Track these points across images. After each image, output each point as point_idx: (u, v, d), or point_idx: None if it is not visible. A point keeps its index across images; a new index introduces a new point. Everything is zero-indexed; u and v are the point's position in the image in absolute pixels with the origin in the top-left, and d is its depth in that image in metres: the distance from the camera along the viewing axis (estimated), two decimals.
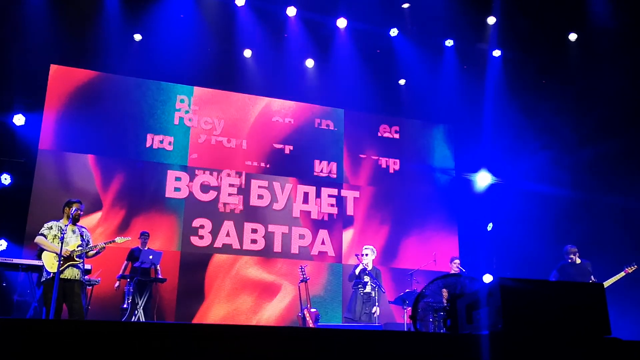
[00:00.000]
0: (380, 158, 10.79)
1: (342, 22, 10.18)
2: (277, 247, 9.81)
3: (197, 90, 10.03)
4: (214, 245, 9.50)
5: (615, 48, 9.31)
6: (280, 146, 10.27)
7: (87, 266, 6.94)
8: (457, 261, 8.77)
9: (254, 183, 9.96)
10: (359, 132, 10.80)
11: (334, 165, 10.50)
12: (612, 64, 9.31)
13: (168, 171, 9.55)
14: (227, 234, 9.61)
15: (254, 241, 9.72)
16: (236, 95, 10.26)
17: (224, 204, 9.70)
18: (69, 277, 6.01)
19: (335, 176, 10.46)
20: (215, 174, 9.78)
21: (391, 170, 10.80)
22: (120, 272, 8.15)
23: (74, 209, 6.15)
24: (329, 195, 10.33)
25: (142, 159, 9.47)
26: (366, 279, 8.02)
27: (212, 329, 2.62)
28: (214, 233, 9.53)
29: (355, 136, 10.75)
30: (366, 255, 8.14)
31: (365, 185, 10.63)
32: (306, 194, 10.20)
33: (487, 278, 8.98)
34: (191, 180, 9.62)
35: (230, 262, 9.55)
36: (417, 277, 8.67)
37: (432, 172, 11.06)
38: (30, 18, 8.79)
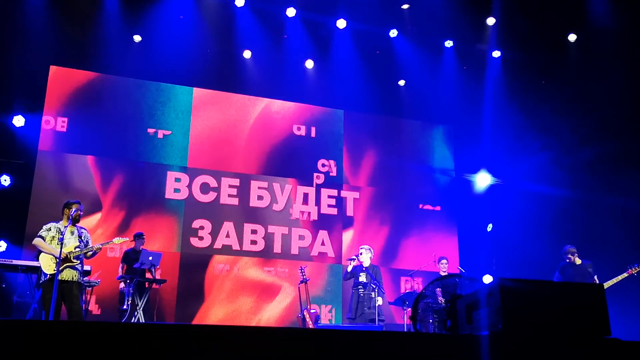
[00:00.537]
0: (379, 159, 10.79)
1: (341, 23, 10.18)
2: (277, 248, 9.81)
3: (197, 91, 10.03)
4: (214, 246, 9.49)
5: (614, 48, 9.32)
6: (280, 147, 10.27)
7: (86, 267, 6.93)
8: (445, 261, 8.70)
9: (254, 184, 9.96)
10: (358, 133, 10.80)
11: (333, 166, 10.50)
12: (612, 65, 9.31)
13: (168, 172, 9.55)
14: (227, 235, 9.61)
15: (253, 242, 9.72)
16: (236, 96, 10.26)
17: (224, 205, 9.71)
18: (66, 279, 6.00)
19: (335, 176, 10.46)
20: (214, 175, 9.78)
21: (391, 171, 10.79)
22: (120, 274, 8.13)
23: (73, 209, 6.15)
24: (329, 196, 10.33)
25: (141, 160, 9.47)
26: (362, 277, 7.97)
27: (212, 330, 2.62)
28: (214, 234, 9.53)
29: (355, 137, 10.75)
30: (360, 254, 8.13)
31: (365, 186, 10.63)
32: (306, 195, 10.20)
33: (487, 278, 8.98)
34: (191, 181, 9.62)
35: (230, 263, 9.55)
36: (416, 278, 8.67)
37: (432, 173, 11.06)
38: (30, 19, 8.79)
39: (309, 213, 10.15)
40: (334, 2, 9.92)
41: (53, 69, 9.30)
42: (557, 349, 2.61)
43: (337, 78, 10.51)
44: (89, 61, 9.41)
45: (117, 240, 6.77)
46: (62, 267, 5.95)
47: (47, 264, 5.96)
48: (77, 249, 6.11)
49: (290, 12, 9.89)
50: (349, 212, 10.40)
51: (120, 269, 8.18)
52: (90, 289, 7.63)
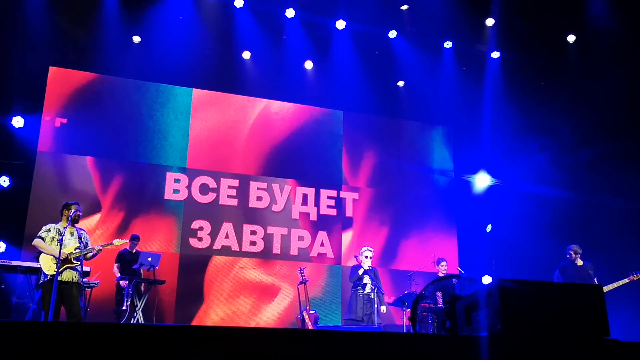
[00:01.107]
0: (379, 159, 10.79)
1: (341, 24, 10.19)
2: (276, 249, 9.81)
3: (196, 92, 10.03)
4: (213, 247, 9.49)
5: (613, 50, 9.34)
6: (279, 148, 10.27)
7: (86, 268, 6.93)
8: (444, 262, 8.71)
9: (253, 185, 9.96)
10: (358, 134, 10.81)
11: (332, 167, 10.51)
12: (610, 66, 9.33)
13: (167, 173, 9.55)
14: (226, 236, 9.61)
15: (253, 243, 9.72)
16: (235, 97, 10.26)
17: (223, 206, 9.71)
18: (66, 280, 6.00)
19: (333, 178, 10.46)
20: (214, 175, 9.78)
21: (390, 172, 10.80)
22: (119, 275, 8.12)
23: (72, 210, 6.15)
24: (328, 197, 10.34)
25: (141, 160, 9.47)
26: (366, 280, 8.04)
27: (212, 331, 2.62)
28: (213, 235, 9.53)
29: (354, 138, 10.76)
30: (366, 257, 8.16)
31: (364, 186, 10.63)
32: (305, 196, 10.21)
33: (486, 279, 8.99)
34: (190, 182, 9.62)
35: (229, 263, 9.55)
36: (416, 279, 8.68)
37: (431, 174, 11.06)
38: (29, 20, 8.79)
39: (308, 214, 10.15)
40: (333, 3, 9.93)
41: (52, 69, 9.30)
42: (556, 350, 2.62)
43: (336, 79, 10.52)
44: (88, 62, 9.41)
45: (117, 241, 6.77)
46: (62, 268, 5.95)
47: (47, 265, 5.96)
48: (77, 250, 6.11)
49: (290, 13, 9.89)
50: (348, 213, 10.40)
51: (116, 269, 8.17)
52: (89, 290, 7.63)
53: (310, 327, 8.00)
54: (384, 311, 8.03)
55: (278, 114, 10.44)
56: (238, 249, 9.61)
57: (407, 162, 10.92)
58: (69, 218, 6.11)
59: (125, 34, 9.47)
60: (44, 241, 6.05)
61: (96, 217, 9.02)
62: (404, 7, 10.18)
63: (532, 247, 9.56)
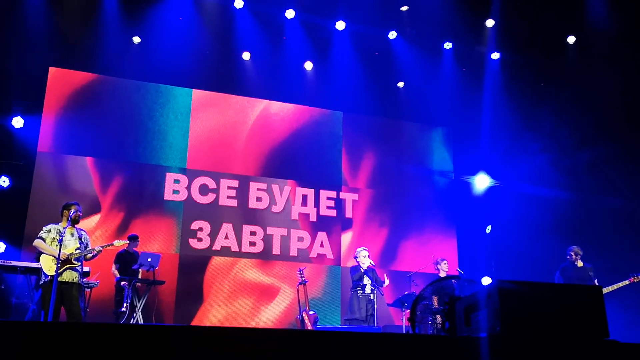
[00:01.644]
0: (378, 160, 10.80)
1: (340, 25, 10.19)
2: (276, 250, 9.81)
3: (196, 92, 10.03)
4: (213, 248, 9.49)
5: (613, 51, 9.34)
6: (279, 149, 10.28)
7: (86, 269, 6.93)
8: (445, 262, 8.72)
9: (253, 185, 9.96)
10: (357, 135, 10.81)
11: (332, 168, 10.51)
12: (610, 67, 9.33)
13: (167, 174, 9.55)
14: (226, 237, 9.61)
15: (252, 244, 9.72)
16: (235, 98, 10.27)
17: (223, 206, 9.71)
18: (67, 280, 6.01)
19: (333, 179, 10.46)
20: (213, 176, 9.78)
21: (390, 173, 10.80)
22: (118, 275, 8.12)
23: (72, 211, 6.16)
24: (328, 198, 10.34)
25: (140, 161, 9.47)
26: (365, 280, 8.05)
27: (211, 331, 2.62)
28: (213, 236, 9.53)
29: (353, 139, 10.76)
30: (364, 257, 8.18)
31: (364, 187, 10.63)
32: (305, 197, 10.21)
33: (486, 280, 8.99)
34: (190, 182, 9.62)
35: (229, 264, 9.55)
36: (415, 280, 8.68)
37: (431, 175, 11.07)
38: (29, 20, 8.79)
39: (308, 215, 10.15)
40: (333, 4, 9.94)
41: (52, 70, 9.30)
42: (555, 351, 2.62)
43: (336, 80, 10.53)
44: (88, 62, 9.41)
45: (117, 242, 6.78)
46: (62, 269, 5.95)
47: (48, 265, 5.97)
48: (78, 251, 6.12)
49: (290, 13, 9.90)
50: (348, 213, 10.40)
51: (115, 270, 8.16)
52: (89, 290, 7.63)
53: (309, 328, 8.01)
54: (386, 282, 8.17)
55: (278, 114, 10.45)
56: (238, 250, 9.61)
57: (406, 163, 10.93)
58: (69, 218, 6.12)
59: (125, 35, 9.48)
60: (45, 242, 6.06)
61: (96, 218, 9.02)
62: (404, 8, 10.19)
63: (532, 249, 9.57)
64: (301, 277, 8.43)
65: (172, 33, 9.50)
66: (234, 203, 9.78)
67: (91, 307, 7.80)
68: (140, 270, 8.07)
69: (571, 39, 10.21)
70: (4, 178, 8.59)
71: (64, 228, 6.12)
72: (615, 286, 7.50)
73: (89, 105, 9.38)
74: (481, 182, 10.64)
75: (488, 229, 10.34)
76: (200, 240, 9.46)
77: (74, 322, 5.76)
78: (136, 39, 9.61)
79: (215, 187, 9.75)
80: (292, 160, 10.30)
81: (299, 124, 10.51)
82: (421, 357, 2.55)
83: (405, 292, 8.23)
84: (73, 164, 9.09)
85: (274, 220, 9.92)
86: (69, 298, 5.98)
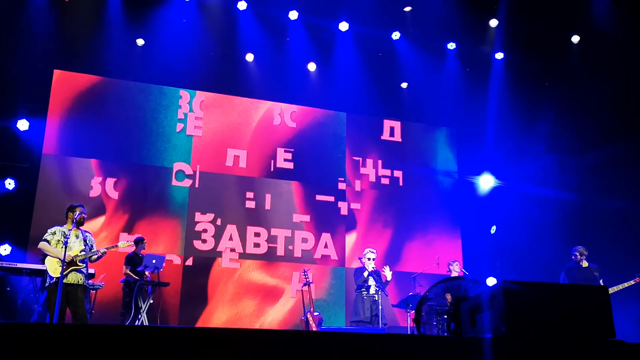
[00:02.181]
0: (382, 161, 10.79)
1: (344, 26, 10.20)
2: (280, 251, 9.81)
3: (200, 94, 10.05)
4: (217, 249, 9.50)
5: (618, 51, 9.30)
6: (283, 150, 10.28)
7: (91, 270, 6.95)
8: (457, 263, 8.70)
9: (257, 187, 9.96)
10: (361, 136, 10.81)
11: (337, 169, 10.50)
12: (615, 67, 9.29)
13: (171, 175, 9.56)
14: (230, 238, 9.61)
15: (256, 245, 9.73)
16: (238, 99, 10.28)
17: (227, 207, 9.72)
18: (72, 282, 6.03)
19: (337, 180, 10.46)
20: (218, 178, 9.79)
21: (394, 174, 10.79)
22: (134, 276, 8.10)
23: (77, 213, 6.18)
24: (332, 199, 10.32)
25: (145, 163, 9.49)
26: (370, 282, 8.04)
27: (216, 333, 2.63)
28: (217, 237, 9.54)
29: (357, 140, 10.76)
30: (369, 259, 8.15)
31: (368, 188, 10.63)
32: (309, 198, 10.20)
33: (491, 281, 8.96)
34: (193, 184, 9.63)
35: (233, 266, 9.55)
36: (420, 281, 8.66)
37: (435, 175, 11.05)
38: (33, 24, 8.83)
39: (312, 216, 10.14)
40: (336, 5, 9.94)
41: (57, 72, 9.33)
42: (561, 352, 2.61)
43: (340, 81, 10.53)
44: (92, 65, 9.44)
45: (122, 244, 6.79)
46: (67, 271, 5.97)
47: (53, 268, 5.99)
48: (82, 253, 6.14)
49: (293, 15, 9.91)
50: (352, 214, 10.39)
51: (127, 270, 8.12)
52: (94, 292, 7.65)
53: (314, 329, 8.00)
54: (388, 276, 8.00)
55: (281, 116, 10.45)
56: (242, 251, 9.62)
57: (410, 163, 10.91)
58: (74, 221, 6.14)
59: (129, 37, 9.51)
60: (49, 244, 6.08)
61: (101, 220, 9.05)
62: (407, 9, 10.18)
63: (537, 249, 9.53)
64: (306, 278, 8.43)
65: (175, 35, 9.53)
66: (238, 204, 9.79)
67: (96, 308, 7.82)
68: (146, 271, 8.07)
69: (575, 39, 10.18)
70: (9, 180, 8.62)
71: (68, 230, 6.14)
72: (620, 286, 7.47)
73: (93, 108, 9.41)
74: (486, 182, 10.61)
75: (493, 230, 10.32)
76: (204, 241, 9.47)
77: (79, 324, 5.78)
78: (140, 42, 9.64)
79: (219, 189, 9.75)
80: (296, 161, 10.30)
81: (302, 125, 10.51)
82: (426, 357, 2.55)
83: (410, 293, 8.22)
84: (78, 166, 9.12)
85: (278, 222, 9.92)
86: (74, 300, 6.00)
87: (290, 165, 10.24)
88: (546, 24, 9.77)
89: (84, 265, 6.17)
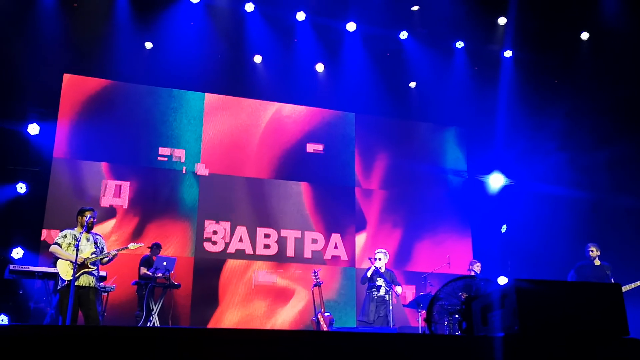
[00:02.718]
0: (392, 161, 10.76)
1: (351, 26, 10.19)
2: (290, 252, 9.81)
3: (208, 96, 10.08)
4: (227, 251, 9.52)
5: (628, 47, 9.22)
6: (292, 151, 10.28)
7: (102, 273, 6.99)
8: (479, 264, 8.68)
9: (266, 188, 9.97)
10: (370, 136, 10.79)
11: (345, 169, 10.49)
12: (625, 64, 9.21)
13: (181, 177, 9.60)
14: (240, 240, 9.63)
15: (267, 246, 9.74)
16: (247, 101, 10.30)
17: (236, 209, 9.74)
18: (83, 285, 6.07)
19: (346, 180, 10.45)
20: (227, 179, 9.82)
21: (403, 174, 10.76)
22: (140, 276, 8.14)
23: (87, 217, 6.22)
24: (341, 200, 10.31)
25: (154, 165, 9.53)
26: (380, 281, 8.01)
27: (228, 333, 2.63)
28: (227, 239, 9.56)
29: (366, 140, 10.74)
30: (379, 259, 8.12)
31: (377, 188, 10.60)
32: (318, 198, 10.20)
33: (502, 280, 8.92)
34: (203, 186, 9.66)
35: (244, 267, 9.57)
36: (431, 280, 8.63)
37: (445, 175, 11.01)
38: (42, 28, 8.90)
39: (322, 216, 10.13)
40: (344, 5, 9.93)
41: (66, 77, 9.40)
42: (574, 350, 2.59)
43: (348, 81, 10.52)
44: (101, 69, 9.50)
45: (132, 245, 6.82)
46: (79, 273, 6.01)
47: (65, 270, 6.03)
48: (93, 255, 6.18)
49: (300, 16, 9.92)
50: (362, 215, 10.38)
51: (145, 270, 8.10)
52: (105, 294, 7.69)
53: (325, 330, 8.00)
54: (399, 291, 7.90)
55: (290, 117, 10.46)
56: (252, 253, 9.63)
57: (420, 163, 10.88)
58: (84, 224, 6.18)
59: (138, 41, 9.55)
60: (61, 247, 6.12)
61: (111, 223, 9.09)
62: (415, 8, 10.15)
63: (548, 248, 9.47)
64: (316, 279, 8.43)
65: (183, 38, 9.56)
66: (247, 206, 9.81)
67: (108, 310, 7.86)
68: (157, 273, 8.10)
69: (585, 36, 10.10)
70: (20, 184, 8.69)
71: (79, 233, 6.18)
72: (634, 284, 7.41)
73: (103, 111, 9.47)
74: (496, 181, 10.56)
75: (503, 229, 10.26)
76: (214, 243, 9.49)
77: (91, 326, 5.81)
78: (148, 45, 9.69)
79: (229, 190, 9.77)
80: (305, 162, 10.30)
81: (311, 126, 10.51)
82: (438, 357, 2.53)
83: (421, 293, 8.19)
84: (88, 169, 9.18)
85: (287, 223, 9.93)
86: (86, 302, 6.04)
87: (299, 166, 10.25)
88: (555, 21, 9.70)
89: (95, 267, 6.21)
